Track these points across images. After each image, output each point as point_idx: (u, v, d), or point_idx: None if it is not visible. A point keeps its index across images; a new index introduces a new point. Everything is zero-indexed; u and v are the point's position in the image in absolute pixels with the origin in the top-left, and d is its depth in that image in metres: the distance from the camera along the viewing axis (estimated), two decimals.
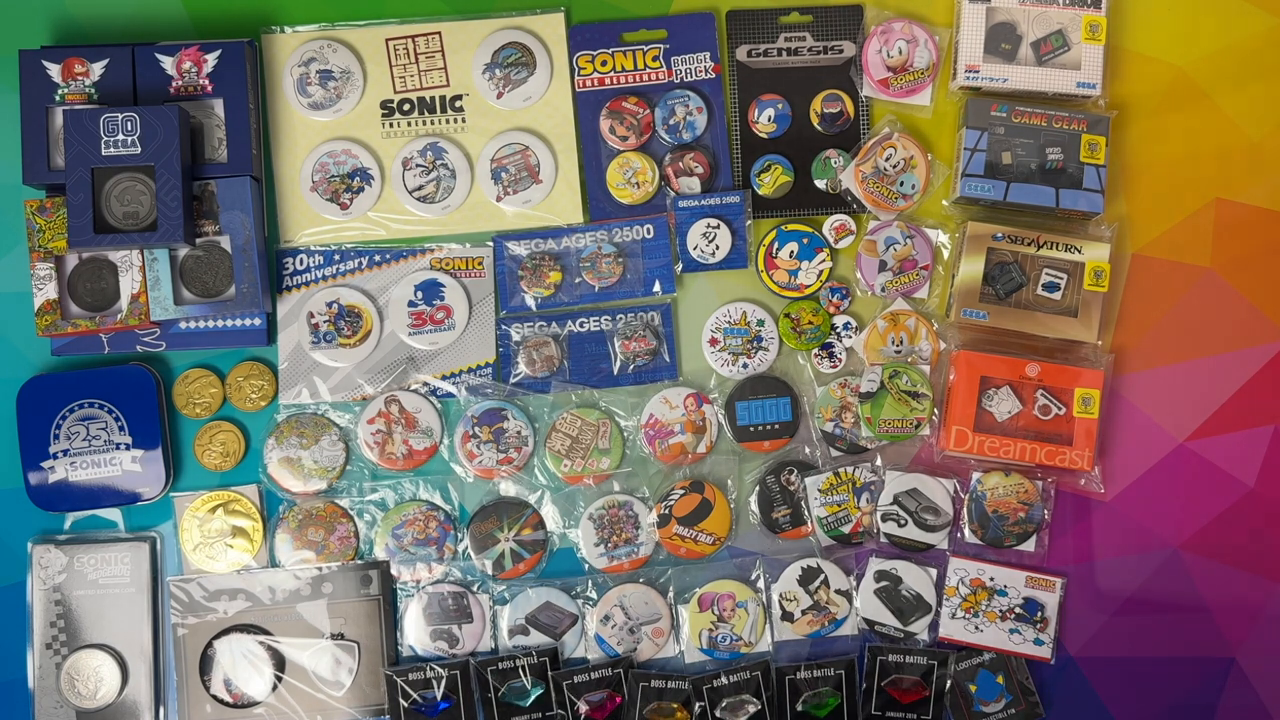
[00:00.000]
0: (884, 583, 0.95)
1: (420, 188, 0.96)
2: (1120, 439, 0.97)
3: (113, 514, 0.94)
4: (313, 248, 0.96)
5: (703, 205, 0.96)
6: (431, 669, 0.92)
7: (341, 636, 0.93)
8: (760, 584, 0.95)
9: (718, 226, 0.96)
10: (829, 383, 0.96)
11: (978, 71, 0.95)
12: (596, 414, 0.95)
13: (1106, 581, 0.96)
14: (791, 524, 0.95)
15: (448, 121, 0.97)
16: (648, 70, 0.97)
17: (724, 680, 0.92)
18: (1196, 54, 0.98)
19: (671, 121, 0.97)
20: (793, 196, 0.97)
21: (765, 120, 0.97)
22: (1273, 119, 0.99)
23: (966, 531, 0.95)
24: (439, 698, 0.92)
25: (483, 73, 0.96)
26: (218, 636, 0.93)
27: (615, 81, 0.97)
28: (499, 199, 0.96)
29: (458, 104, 0.97)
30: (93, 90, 0.91)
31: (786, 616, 0.95)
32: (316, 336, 0.95)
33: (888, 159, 0.96)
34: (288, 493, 0.94)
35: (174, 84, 0.92)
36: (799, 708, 0.94)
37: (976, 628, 0.94)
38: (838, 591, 0.95)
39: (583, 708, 0.93)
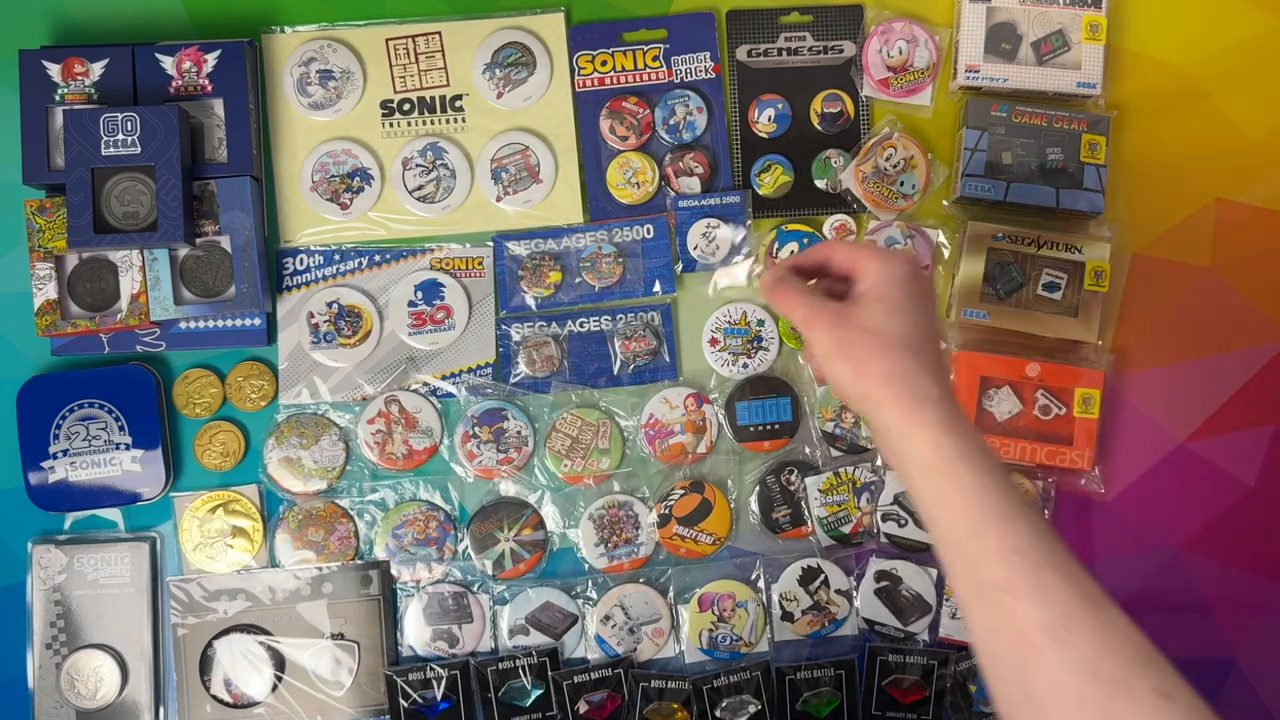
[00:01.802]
0: (884, 583, 0.95)
1: (420, 188, 0.96)
2: (1120, 439, 0.97)
3: (113, 514, 0.94)
4: (313, 248, 0.96)
5: (703, 205, 0.96)
6: (431, 669, 0.92)
7: (341, 636, 0.93)
8: (760, 584, 0.95)
9: (718, 226, 0.96)
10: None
11: (978, 71, 0.95)
12: (596, 414, 0.95)
13: (1106, 581, 0.95)
14: (791, 524, 0.95)
15: (448, 121, 0.97)
16: (648, 70, 0.97)
17: (724, 680, 0.92)
18: (1196, 54, 0.98)
19: (671, 121, 0.97)
20: (793, 196, 0.97)
21: (765, 120, 0.97)
22: (1273, 119, 0.99)
23: None
24: (439, 698, 0.92)
25: (483, 73, 0.96)
26: (218, 636, 0.93)
27: (615, 81, 0.97)
28: (499, 199, 0.96)
29: (458, 104, 0.97)
30: (93, 90, 0.91)
31: (786, 616, 0.95)
32: (316, 336, 0.95)
33: (888, 159, 0.96)
34: (288, 493, 0.94)
35: (174, 84, 0.92)
36: (799, 708, 0.94)
37: None
38: (838, 591, 0.95)
39: (583, 708, 0.93)
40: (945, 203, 0.98)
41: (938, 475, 0.63)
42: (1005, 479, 0.62)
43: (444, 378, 0.96)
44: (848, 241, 0.77)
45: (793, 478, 0.95)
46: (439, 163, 0.96)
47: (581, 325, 0.96)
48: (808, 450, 0.96)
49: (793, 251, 0.96)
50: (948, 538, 0.63)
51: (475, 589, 0.95)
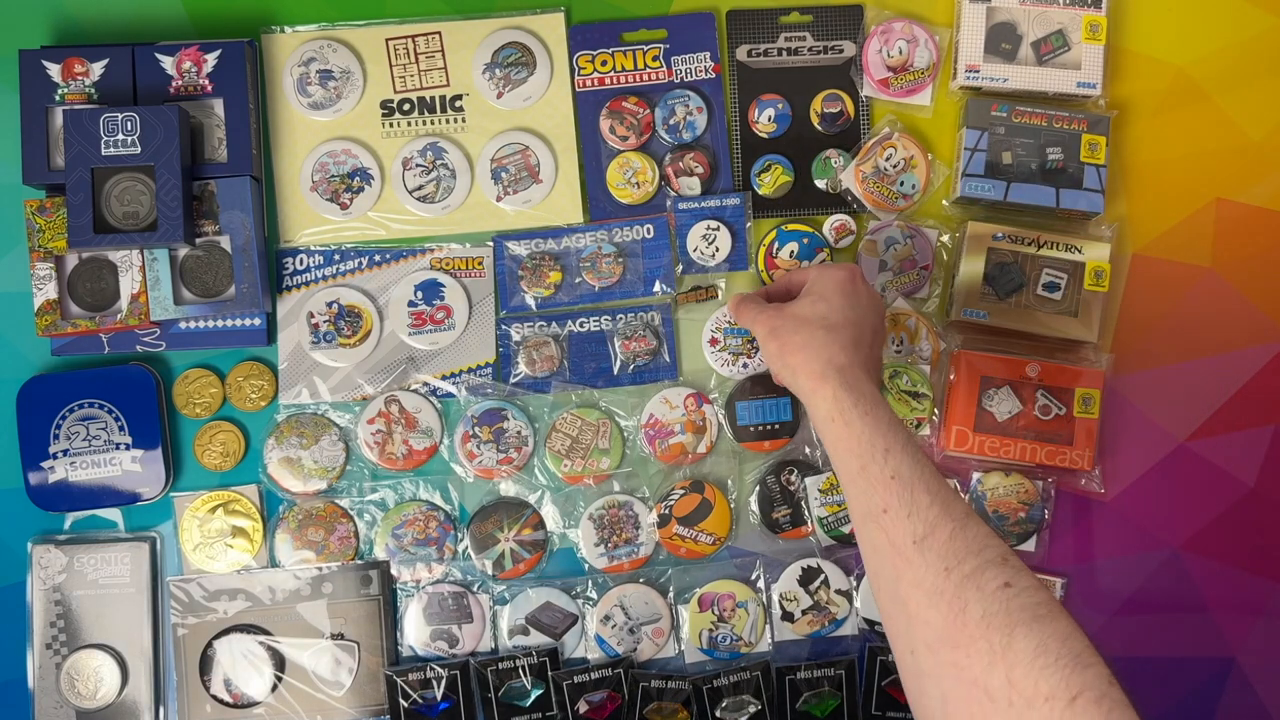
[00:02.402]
0: None
1: (420, 188, 0.96)
2: (1120, 439, 0.97)
3: (113, 514, 0.94)
4: (313, 248, 0.96)
5: (703, 208, 0.96)
6: (431, 669, 0.92)
7: (341, 636, 0.93)
8: (760, 584, 0.95)
9: (718, 228, 0.96)
10: None
11: (978, 71, 0.95)
12: (596, 414, 0.95)
13: (1106, 581, 0.96)
14: (791, 524, 0.95)
15: (448, 121, 0.97)
16: (648, 70, 0.97)
17: (724, 680, 0.92)
18: (1196, 54, 0.98)
19: (671, 121, 0.97)
20: (793, 196, 0.97)
21: (765, 120, 0.97)
22: (1273, 119, 0.99)
23: None
24: (439, 698, 0.92)
25: (483, 73, 0.96)
26: (218, 636, 0.93)
27: (615, 81, 0.97)
28: (499, 199, 0.96)
29: (458, 104, 0.97)
30: (93, 90, 0.91)
31: (786, 616, 0.95)
32: (316, 336, 0.95)
33: (888, 159, 0.96)
34: (288, 493, 0.94)
35: (174, 84, 0.92)
36: (799, 708, 0.94)
37: None
38: (838, 591, 0.95)
39: (583, 708, 0.93)
40: (945, 203, 0.98)
41: (836, 423, 0.74)
42: (891, 423, 0.72)
43: (444, 378, 0.96)
44: (806, 266, 0.92)
45: (793, 478, 0.95)
46: (439, 163, 0.96)
47: (581, 325, 0.96)
48: (808, 450, 0.96)
49: (792, 252, 0.96)
50: (844, 473, 0.73)
51: (475, 589, 0.95)
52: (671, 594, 0.95)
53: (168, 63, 0.91)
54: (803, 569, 0.95)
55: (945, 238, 0.97)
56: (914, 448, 0.71)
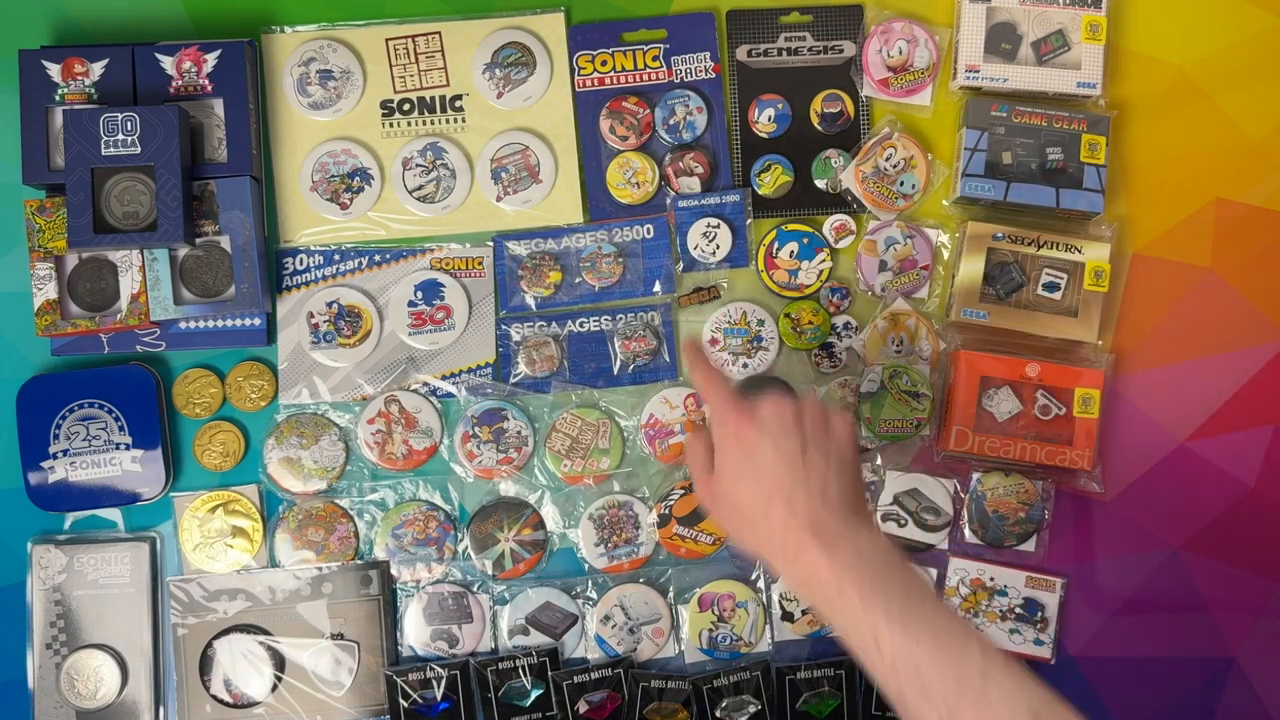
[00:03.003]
0: None
1: (420, 188, 0.96)
2: (1120, 439, 0.97)
3: (113, 514, 0.94)
4: (313, 248, 0.96)
5: (703, 205, 0.96)
6: (431, 669, 0.92)
7: (341, 636, 0.93)
8: (760, 584, 0.95)
9: (718, 226, 0.96)
10: (829, 383, 0.96)
11: (978, 71, 0.95)
12: (596, 414, 0.95)
13: (1106, 581, 0.96)
14: None
15: (448, 121, 0.97)
16: (648, 70, 0.97)
17: (724, 680, 0.92)
18: (1196, 54, 0.98)
19: (671, 121, 0.97)
20: (793, 196, 0.97)
21: (765, 120, 0.97)
22: (1273, 119, 0.99)
23: (966, 531, 0.95)
24: (439, 698, 0.92)
25: (483, 73, 0.96)
26: (218, 636, 0.93)
27: (615, 81, 0.97)
28: (499, 199, 0.96)
29: (458, 104, 0.97)
30: (93, 90, 0.91)
31: (786, 616, 0.95)
32: (316, 336, 0.95)
33: (888, 159, 0.96)
34: (288, 493, 0.94)
35: (174, 84, 0.92)
36: (799, 708, 0.94)
37: (977, 628, 0.94)
38: None
39: (583, 708, 0.93)
40: (945, 203, 0.98)
41: (819, 609, 0.69)
42: (865, 592, 0.64)
43: (444, 378, 0.95)
44: (714, 409, 0.78)
45: None
46: (439, 163, 0.96)
47: (581, 325, 0.96)
48: None
49: (792, 252, 0.96)
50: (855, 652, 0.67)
51: (475, 589, 0.95)
52: (671, 594, 0.95)
53: (168, 63, 0.91)
54: None
55: (945, 238, 0.97)
56: (900, 617, 0.63)
